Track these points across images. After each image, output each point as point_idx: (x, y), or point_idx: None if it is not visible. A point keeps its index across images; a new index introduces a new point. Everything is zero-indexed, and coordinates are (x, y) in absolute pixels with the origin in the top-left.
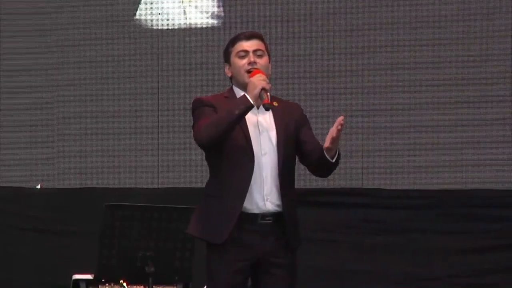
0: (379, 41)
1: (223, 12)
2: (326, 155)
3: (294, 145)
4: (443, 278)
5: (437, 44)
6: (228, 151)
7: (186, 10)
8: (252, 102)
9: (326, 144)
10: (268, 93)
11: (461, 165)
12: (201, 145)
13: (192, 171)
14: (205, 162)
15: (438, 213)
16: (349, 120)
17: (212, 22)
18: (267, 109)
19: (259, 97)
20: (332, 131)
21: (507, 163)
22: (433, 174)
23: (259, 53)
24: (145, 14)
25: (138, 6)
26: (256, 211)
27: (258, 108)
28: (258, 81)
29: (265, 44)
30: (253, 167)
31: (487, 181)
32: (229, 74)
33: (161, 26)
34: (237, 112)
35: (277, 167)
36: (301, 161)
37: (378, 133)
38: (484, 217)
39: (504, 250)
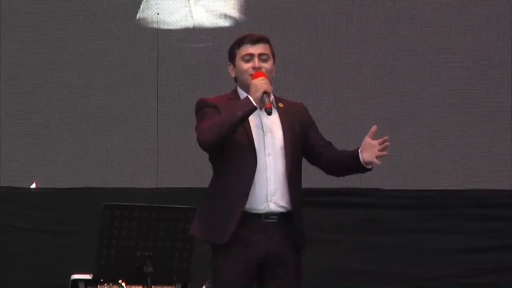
0: (379, 40)
1: (236, 14)
2: (364, 165)
3: (301, 146)
4: (443, 278)
5: (436, 44)
6: (231, 152)
7: (193, 11)
8: (255, 105)
9: (371, 159)
10: (270, 97)
11: (461, 165)
12: (204, 147)
13: (191, 171)
14: (204, 162)
15: (438, 213)
16: (348, 119)
17: (220, 22)
18: (269, 114)
19: (261, 100)
20: (370, 144)
21: (507, 163)
22: (433, 174)
23: (264, 57)
24: (145, 13)
25: (139, 6)
26: (259, 211)
27: (261, 109)
28: (260, 83)
29: (271, 47)
30: (255, 167)
31: (487, 181)
32: (233, 75)
33: (160, 26)
34: (239, 114)
35: (283, 168)
36: (312, 163)
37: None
38: (484, 217)
39: (504, 250)
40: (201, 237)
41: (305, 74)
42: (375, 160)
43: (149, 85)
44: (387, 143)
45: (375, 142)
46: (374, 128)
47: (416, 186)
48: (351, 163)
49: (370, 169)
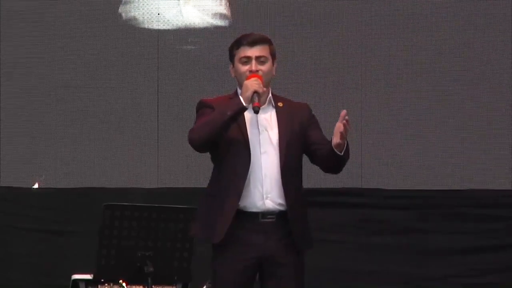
0: (379, 40)
1: (228, 12)
2: (335, 149)
3: (300, 145)
4: (443, 278)
5: (437, 44)
6: (226, 150)
7: (183, 10)
8: (244, 104)
9: (336, 140)
10: (261, 97)
11: (461, 165)
12: (193, 145)
13: (191, 171)
14: (204, 162)
15: (438, 213)
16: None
17: (213, 22)
18: (256, 112)
19: (251, 100)
20: (339, 127)
21: (507, 163)
22: (434, 174)
23: (262, 59)
24: (145, 14)
25: (137, 6)
26: (255, 209)
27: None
28: (251, 84)
29: (270, 47)
30: (249, 165)
31: (487, 181)
32: (233, 75)
33: (160, 26)
34: (229, 113)
35: (278, 166)
36: (311, 161)
37: (378, 133)
38: (484, 217)
39: (504, 250)
40: (200, 235)
41: (301, 73)
42: (339, 140)
43: (149, 85)
44: (345, 122)
45: (340, 124)
46: (343, 112)
47: (416, 186)
48: (330, 152)
49: (341, 155)
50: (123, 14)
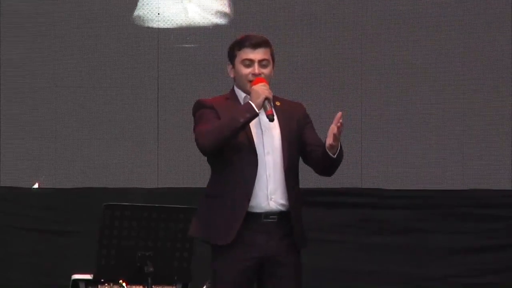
0: (379, 40)
1: (229, 10)
2: (328, 151)
3: (298, 144)
4: (443, 278)
5: (437, 44)
6: (231, 152)
7: (184, 8)
8: (257, 111)
9: (329, 141)
10: (271, 102)
11: (461, 165)
12: (203, 151)
13: (191, 171)
14: (205, 162)
15: (438, 213)
16: (349, 120)
17: (215, 20)
18: (271, 120)
19: (262, 106)
20: (333, 128)
21: (507, 163)
22: (433, 174)
23: (264, 62)
24: (145, 13)
25: (137, 5)
26: (259, 210)
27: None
28: (262, 89)
29: (271, 49)
30: (256, 168)
31: (487, 181)
32: (232, 75)
33: (160, 25)
34: (242, 120)
35: (281, 166)
36: (305, 161)
37: (378, 133)
38: (484, 217)
39: (504, 250)
40: (203, 237)
41: (300, 72)
42: (331, 142)
43: (149, 85)
44: (339, 124)
45: (334, 126)
46: (338, 114)
47: (416, 186)
48: (324, 154)
49: (334, 157)
50: (137, 13)
